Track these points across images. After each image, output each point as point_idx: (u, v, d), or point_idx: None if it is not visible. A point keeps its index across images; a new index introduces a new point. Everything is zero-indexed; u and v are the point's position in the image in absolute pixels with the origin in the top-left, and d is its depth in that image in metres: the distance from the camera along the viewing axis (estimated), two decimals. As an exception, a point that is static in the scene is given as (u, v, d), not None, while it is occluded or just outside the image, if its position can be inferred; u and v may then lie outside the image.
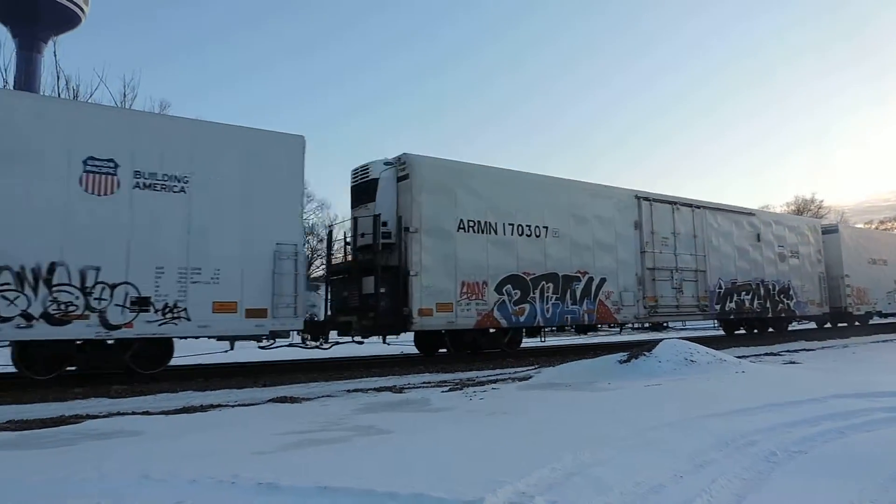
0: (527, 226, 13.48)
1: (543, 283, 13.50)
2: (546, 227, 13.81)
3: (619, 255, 14.95)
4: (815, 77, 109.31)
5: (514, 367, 10.73)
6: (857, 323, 23.17)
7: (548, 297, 13.51)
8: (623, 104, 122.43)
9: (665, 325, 18.06)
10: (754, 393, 6.44)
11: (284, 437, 4.60)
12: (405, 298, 11.37)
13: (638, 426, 4.71)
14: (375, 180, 12.29)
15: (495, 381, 8.35)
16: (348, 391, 7.65)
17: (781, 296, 19.28)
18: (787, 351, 13.03)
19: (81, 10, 30.18)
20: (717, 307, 16.89)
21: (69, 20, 30.14)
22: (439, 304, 11.83)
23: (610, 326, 16.76)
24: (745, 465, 3.62)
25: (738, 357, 9.64)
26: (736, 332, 20.36)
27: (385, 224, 11.94)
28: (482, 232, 12.71)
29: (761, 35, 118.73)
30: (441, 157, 12.85)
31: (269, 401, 7.00)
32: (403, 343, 13.29)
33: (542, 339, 15.08)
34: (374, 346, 13.59)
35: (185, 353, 10.33)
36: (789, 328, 21.80)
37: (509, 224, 13.21)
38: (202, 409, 6.58)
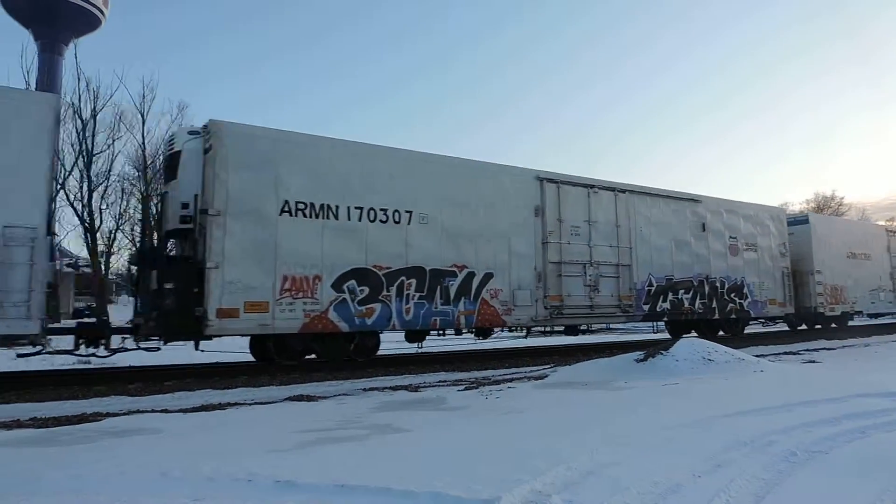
0: (381, 210, 11.53)
1: (403, 278, 11.58)
2: (410, 213, 11.82)
3: (513, 247, 13.07)
4: (829, 71, 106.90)
5: (530, 365, 10.95)
6: (833, 325, 21.84)
7: (409, 295, 11.59)
8: (626, 99, 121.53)
9: (581, 328, 15.64)
10: (773, 392, 6.45)
11: (301, 435, 4.78)
12: (200, 296, 9.62)
13: (655, 425, 4.74)
14: (179, 153, 10.56)
15: (511, 380, 8.50)
16: (364, 390, 7.89)
17: (732, 294, 17.35)
18: (807, 350, 13.10)
19: (101, 12, 30.72)
20: (646, 307, 15.15)
21: (89, 23, 31.01)
22: (249, 304, 9.99)
23: (511, 330, 14.76)
24: (765, 465, 3.62)
25: (757, 356, 9.54)
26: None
27: (186, 206, 10.31)
28: (317, 216, 10.83)
29: (772, 27, 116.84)
30: (263, 125, 10.83)
31: (286, 399, 7.44)
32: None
33: (419, 347, 13.25)
34: (395, 346, 13.65)
35: (211, 351, 10.41)
36: (746, 330, 20.23)
37: (356, 208, 11.23)
38: (220, 406, 7.02)
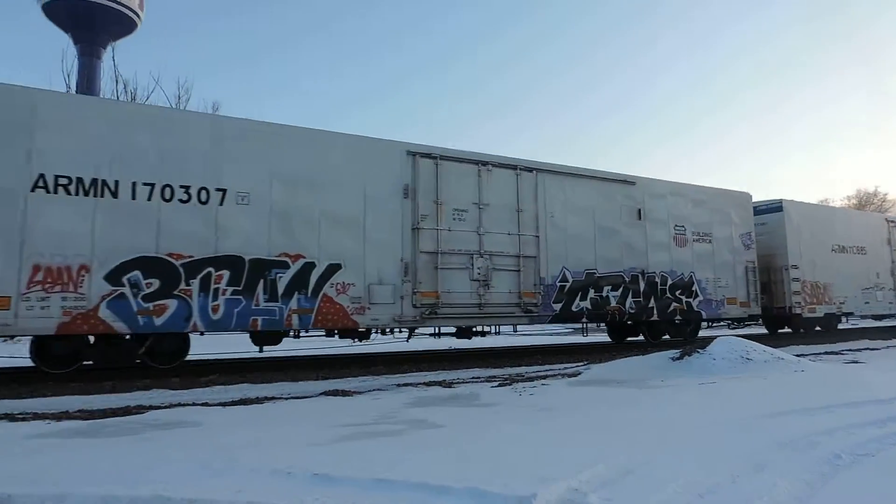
0: (182, 187, 9.79)
1: (211, 270, 9.86)
2: (223, 191, 10.07)
3: (370, 233, 11.29)
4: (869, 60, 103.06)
5: (564, 363, 10.85)
6: (817, 328, 19.64)
7: (218, 290, 9.87)
8: (629, 100, 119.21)
9: (476, 329, 13.23)
10: (815, 393, 6.38)
11: (338, 429, 5.20)
12: None
13: (692, 425, 4.76)
14: None
15: (544, 377, 8.64)
16: (398, 385, 8.22)
17: (677, 292, 15.31)
18: (849, 350, 13.05)
19: (137, 15, 32.44)
20: (557, 306, 13.27)
21: (126, 26, 32.95)
22: (-23, 299, 8.36)
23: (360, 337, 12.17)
24: (807, 467, 3.57)
25: (797, 355, 9.38)
26: (629, 340, 16.95)
27: None
28: (87, 194, 9.13)
29: (801, 15, 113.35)
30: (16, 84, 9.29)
31: (322, 394, 7.97)
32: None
33: (260, 350, 11.35)
34: (421, 342, 13.67)
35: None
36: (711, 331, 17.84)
37: (146, 184, 9.52)
38: (258, 401, 7.53)
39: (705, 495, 3.30)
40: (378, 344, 14.88)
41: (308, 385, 8.98)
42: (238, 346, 13.84)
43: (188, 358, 10.69)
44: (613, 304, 14.09)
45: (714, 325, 17.46)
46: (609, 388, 7.95)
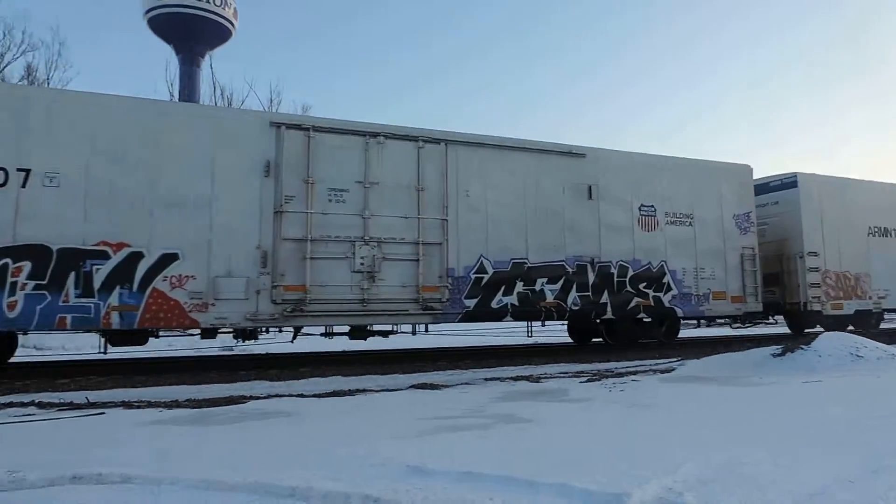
0: None
1: (8, 260, 8.91)
2: (26, 171, 9.06)
3: (219, 218, 10.16)
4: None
5: (656, 358, 10.55)
6: (849, 327, 16.35)
7: (16, 283, 8.95)
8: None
9: (371, 328, 11.74)
10: (937, 393, 5.82)
11: (427, 422, 5.85)
12: None
13: (797, 425, 4.62)
14: None
15: (635, 373, 8.66)
16: (485, 379, 8.72)
17: (642, 285, 13.26)
18: None
19: (231, 24, 34.41)
20: (471, 302, 11.65)
21: (222, 35, 34.86)
22: None
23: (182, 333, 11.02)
24: (932, 474, 3.28)
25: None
26: (594, 342, 15.18)
27: None
28: None
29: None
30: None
31: (411, 387, 8.74)
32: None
33: (103, 352, 10.60)
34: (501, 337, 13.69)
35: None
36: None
37: None
38: (350, 393, 8.13)
39: (814, 498, 3.14)
40: (453, 335, 14.92)
41: (397, 378, 9.45)
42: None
43: (284, 352, 11.24)
44: (550, 298, 12.31)
45: (714, 323, 15.62)
46: (705, 384, 7.98)
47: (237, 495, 3.51)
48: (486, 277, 11.84)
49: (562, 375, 9.73)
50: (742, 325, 15.35)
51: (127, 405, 6.95)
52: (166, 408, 6.81)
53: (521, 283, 12.04)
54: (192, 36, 38.75)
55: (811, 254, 15.53)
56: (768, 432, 4.88)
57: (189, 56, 39.07)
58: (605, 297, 12.82)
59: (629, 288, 13.09)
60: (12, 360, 10.54)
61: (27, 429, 5.63)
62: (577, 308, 12.53)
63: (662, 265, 13.48)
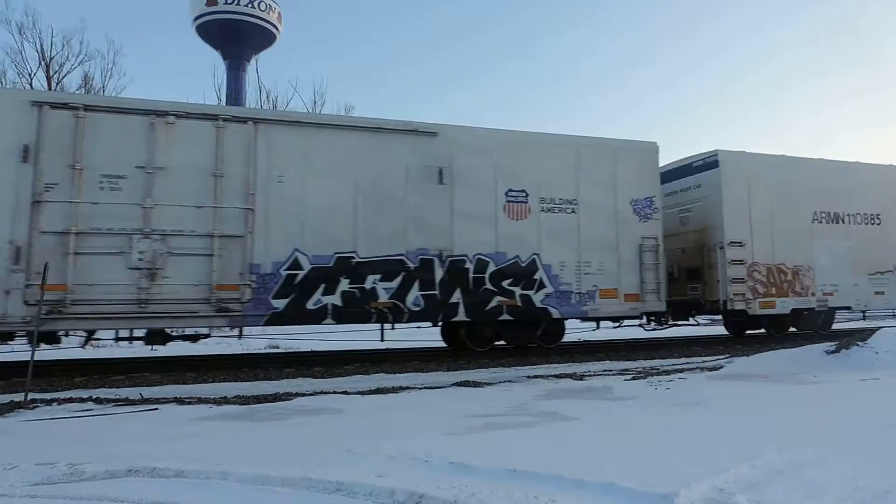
0: None
1: None
2: None
3: None
4: None
5: (702, 355, 10.25)
6: (792, 329, 14.62)
7: None
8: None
9: (175, 332, 10.50)
10: None
11: (471, 419, 5.97)
12: None
13: (854, 424, 4.44)
14: None
15: (681, 371, 8.50)
16: (528, 377, 8.81)
17: (506, 282, 11.44)
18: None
19: (276, 28, 35.47)
20: (280, 302, 10.21)
21: (267, 39, 36.05)
22: None
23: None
24: None
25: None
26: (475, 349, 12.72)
27: None
28: None
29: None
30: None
31: (453, 384, 8.76)
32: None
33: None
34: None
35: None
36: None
37: None
38: (393, 390, 8.18)
39: (874, 502, 3.00)
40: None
41: (440, 376, 9.54)
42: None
43: (323, 349, 11.36)
44: (384, 298, 10.72)
45: (623, 323, 12.81)
46: (755, 383, 7.86)
47: (285, 490, 3.56)
48: (302, 274, 10.34)
49: (606, 373, 9.66)
50: (658, 327, 13.23)
51: (179, 401, 7.15)
52: (216, 404, 6.98)
53: (348, 281, 10.52)
54: (238, 41, 40.25)
55: (734, 244, 13.35)
56: (823, 433, 4.75)
57: (236, 61, 40.88)
58: (456, 297, 11.11)
59: (489, 286, 11.36)
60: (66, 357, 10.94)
61: (86, 423, 5.83)
62: (418, 309, 10.91)
63: (534, 259, 11.68)
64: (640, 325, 13.31)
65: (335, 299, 10.43)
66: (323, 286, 10.41)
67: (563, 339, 13.72)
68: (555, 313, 11.88)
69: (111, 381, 9.06)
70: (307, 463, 4.00)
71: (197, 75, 56.66)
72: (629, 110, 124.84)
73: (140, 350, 14.32)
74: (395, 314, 10.91)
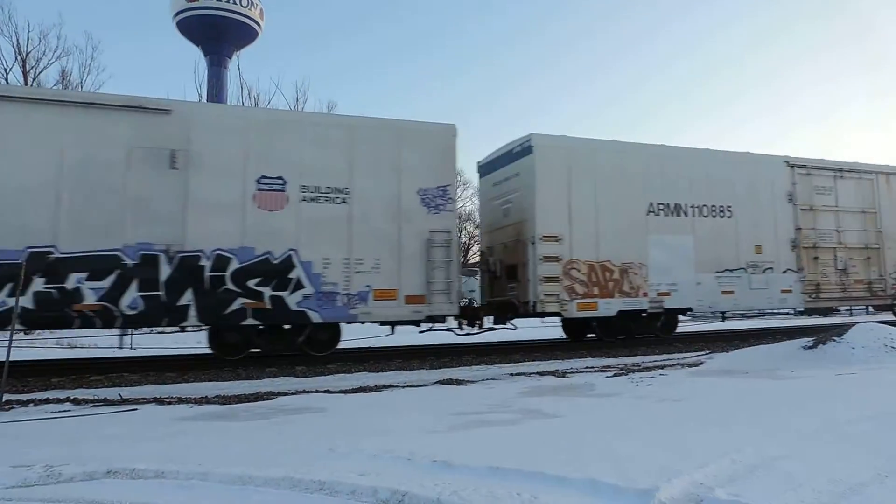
0: None
1: None
2: None
3: None
4: None
5: (683, 352, 10.36)
6: (620, 338, 13.35)
7: None
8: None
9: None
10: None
11: (453, 417, 5.91)
12: None
13: (830, 418, 4.50)
14: None
15: (662, 367, 8.60)
16: (511, 375, 8.54)
17: (253, 282, 10.10)
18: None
19: (258, 24, 35.13)
20: None
21: (248, 36, 35.87)
22: None
23: None
24: (971, 468, 3.20)
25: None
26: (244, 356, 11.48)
27: None
28: None
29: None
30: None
31: (436, 382, 8.86)
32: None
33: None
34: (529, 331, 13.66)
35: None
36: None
37: None
38: (376, 388, 8.28)
39: (849, 495, 3.09)
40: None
41: (423, 374, 9.54)
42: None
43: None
44: (91, 300, 9.38)
45: (394, 330, 11.59)
46: (735, 378, 7.93)
47: (267, 489, 3.54)
48: None
49: (588, 370, 9.72)
50: (472, 332, 12.20)
51: (159, 401, 7.11)
52: (196, 404, 6.94)
53: (43, 280, 9.18)
54: (219, 37, 40.00)
55: (548, 238, 11.99)
56: (801, 427, 4.80)
57: (217, 57, 40.54)
58: (187, 298, 9.83)
59: (231, 286, 10.06)
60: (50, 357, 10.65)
61: (63, 424, 5.76)
62: (135, 312, 9.56)
63: (290, 255, 10.39)
64: (449, 329, 12.09)
65: (24, 301, 8.82)
66: (8, 286, 8.86)
67: (548, 339, 13.71)
68: (315, 317, 10.51)
69: (89, 382, 8.99)
70: (289, 462, 3.99)
71: (179, 73, 56.42)
72: (620, 102, 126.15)
73: (118, 350, 14.16)
74: (104, 318, 9.56)
